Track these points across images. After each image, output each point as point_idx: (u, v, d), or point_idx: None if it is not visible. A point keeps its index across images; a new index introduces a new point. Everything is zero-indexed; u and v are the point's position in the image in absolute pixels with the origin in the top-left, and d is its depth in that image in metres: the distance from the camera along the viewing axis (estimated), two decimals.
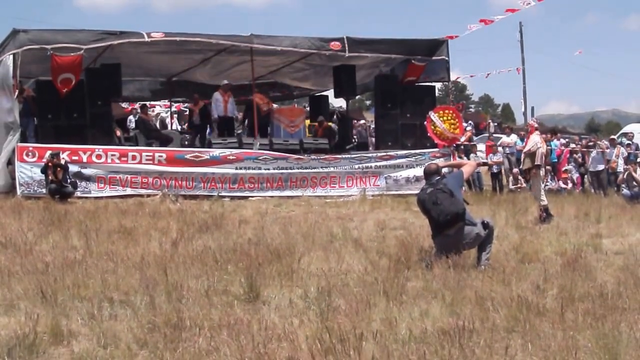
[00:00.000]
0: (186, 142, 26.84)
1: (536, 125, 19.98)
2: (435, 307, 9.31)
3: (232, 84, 28.29)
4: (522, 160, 18.97)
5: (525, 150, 19.43)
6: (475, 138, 36.86)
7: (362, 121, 38.87)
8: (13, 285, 10.07)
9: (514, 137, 32.38)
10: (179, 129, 35.75)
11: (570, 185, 29.39)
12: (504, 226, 16.65)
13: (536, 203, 19.24)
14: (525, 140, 19.45)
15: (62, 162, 20.93)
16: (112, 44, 22.84)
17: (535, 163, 18.70)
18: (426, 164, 14.51)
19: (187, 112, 32.53)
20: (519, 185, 28.63)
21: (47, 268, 11.04)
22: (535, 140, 19.07)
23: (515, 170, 29.51)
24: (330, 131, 29.06)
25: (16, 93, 21.81)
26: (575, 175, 30.30)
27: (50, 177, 20.71)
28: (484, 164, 29.37)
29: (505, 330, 8.35)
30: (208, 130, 29.92)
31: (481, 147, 33.42)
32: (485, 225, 12.21)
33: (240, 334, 8.00)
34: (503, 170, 30.33)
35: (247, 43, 24.34)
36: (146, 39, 22.84)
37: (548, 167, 29.48)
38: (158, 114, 42.57)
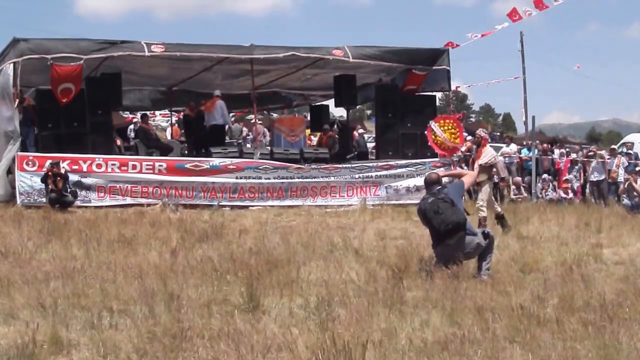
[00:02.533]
0: (186, 152, 26.79)
1: (487, 136, 19.29)
2: (435, 317, 9.30)
3: (232, 93, 28.40)
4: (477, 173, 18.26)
5: (481, 162, 18.68)
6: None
7: (361, 130, 38.82)
8: (13, 294, 10.07)
9: (513, 147, 32.36)
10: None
11: (570, 195, 29.32)
12: (504, 236, 16.63)
13: (492, 212, 18.95)
14: (477, 152, 18.73)
15: (62, 171, 20.91)
16: (111, 55, 22.82)
17: (502, 176, 18.52)
18: (427, 174, 14.50)
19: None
20: (520, 195, 28.59)
21: (47, 277, 11.05)
22: (491, 153, 18.81)
23: (517, 179, 29.48)
24: (334, 140, 29.07)
25: (16, 102, 21.78)
26: (576, 185, 30.23)
27: (50, 187, 20.69)
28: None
29: (505, 340, 8.34)
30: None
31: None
32: (486, 235, 12.20)
33: (240, 343, 7.98)
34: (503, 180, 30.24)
35: (247, 55, 24.34)
36: (146, 53, 22.81)
37: (548, 177, 29.50)
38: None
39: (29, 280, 10.92)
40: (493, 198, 19.19)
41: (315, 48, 25.11)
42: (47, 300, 9.53)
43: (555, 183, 30.06)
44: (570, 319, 9.13)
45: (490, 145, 20.33)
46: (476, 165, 18.53)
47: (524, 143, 37.21)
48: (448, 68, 26.53)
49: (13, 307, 9.46)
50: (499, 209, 18.99)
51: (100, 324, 8.78)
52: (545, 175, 29.42)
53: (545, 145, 33.15)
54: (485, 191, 18.71)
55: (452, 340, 8.26)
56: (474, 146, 19.21)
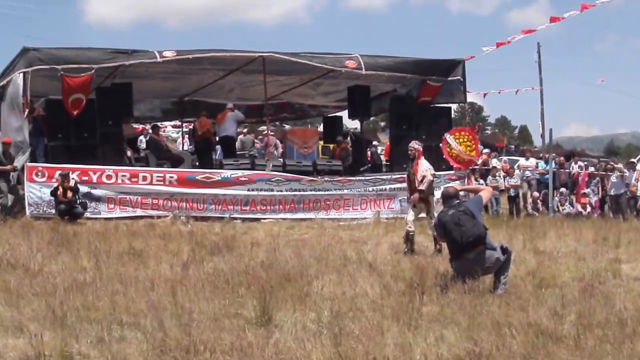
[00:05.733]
0: (197, 163, 26.66)
1: (421, 148, 18.19)
2: (450, 333, 9.16)
3: (245, 104, 28.33)
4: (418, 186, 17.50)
5: (420, 174, 17.57)
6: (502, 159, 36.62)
7: (375, 142, 38.75)
8: (22, 306, 9.99)
9: (532, 161, 32.18)
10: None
11: (588, 209, 29.09)
12: (521, 251, 16.44)
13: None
14: (414, 166, 17.87)
15: (72, 183, 20.83)
16: (123, 64, 22.72)
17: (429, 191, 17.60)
18: (444, 187, 14.35)
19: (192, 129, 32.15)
20: (536, 209, 28.41)
21: (56, 289, 10.94)
22: (427, 166, 17.86)
23: (535, 194, 29.26)
24: (347, 152, 28.95)
25: (26, 112, 21.70)
26: (594, 199, 29.99)
27: (60, 198, 20.62)
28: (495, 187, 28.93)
29: (522, 357, 8.23)
30: (219, 151, 29.75)
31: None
32: (504, 250, 12.06)
33: (253, 358, 7.93)
34: (521, 194, 30.06)
35: (260, 54, 24.19)
36: (158, 59, 22.69)
37: (565, 190, 29.29)
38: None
39: (38, 292, 10.83)
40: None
41: (328, 55, 24.96)
42: (57, 313, 9.42)
43: (573, 197, 29.85)
44: (588, 335, 8.99)
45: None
46: (418, 183, 17.51)
47: (541, 156, 37.01)
48: (463, 79, 26.42)
49: (22, 319, 9.38)
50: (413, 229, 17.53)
51: (110, 337, 8.67)
52: (562, 189, 29.20)
53: (561, 158, 32.94)
54: (432, 206, 17.92)
55: (467, 356, 8.17)
56: (410, 161, 18.08)
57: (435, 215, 17.09)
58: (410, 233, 16.96)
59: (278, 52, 24.41)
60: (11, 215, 20.79)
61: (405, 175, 18.74)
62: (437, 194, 18.17)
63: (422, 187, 17.16)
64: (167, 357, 7.99)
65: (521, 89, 53.75)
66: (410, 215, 17.36)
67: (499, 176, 29.32)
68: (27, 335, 8.60)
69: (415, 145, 17.93)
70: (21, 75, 21.46)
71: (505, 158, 35.04)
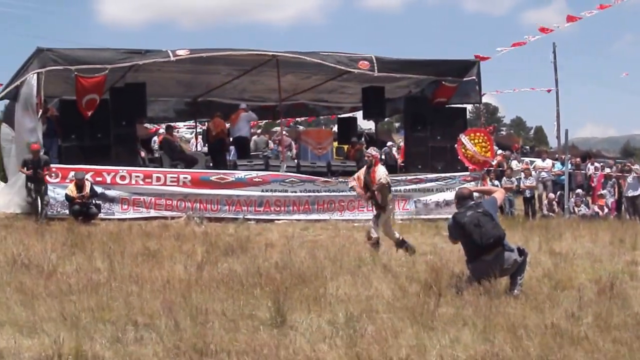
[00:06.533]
0: (210, 164, 26.62)
1: (378, 155, 18.19)
2: (466, 334, 9.13)
3: (259, 105, 28.33)
4: (375, 193, 17.14)
5: (378, 181, 17.04)
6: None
7: (390, 143, 38.68)
8: (36, 307, 9.96)
9: (549, 162, 32.05)
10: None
11: (605, 210, 28.95)
12: (536, 252, 16.35)
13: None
14: (371, 173, 17.46)
15: (88, 186, 20.85)
16: (137, 63, 22.72)
17: (383, 204, 17.12)
18: (458, 188, 14.27)
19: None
20: (553, 210, 28.29)
21: (70, 290, 10.93)
22: (384, 172, 17.39)
23: (551, 195, 29.14)
24: (361, 153, 28.88)
25: (40, 113, 21.71)
26: (610, 201, 29.83)
27: (75, 199, 20.65)
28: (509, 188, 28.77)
29: (538, 359, 8.20)
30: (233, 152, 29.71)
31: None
32: (521, 252, 12.01)
33: (267, 359, 7.91)
34: (536, 195, 29.93)
35: (273, 54, 24.16)
36: (172, 57, 22.67)
37: (581, 192, 29.12)
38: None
39: (53, 292, 10.83)
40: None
41: (342, 56, 24.91)
42: (71, 314, 9.42)
43: (589, 198, 29.70)
44: (605, 337, 8.97)
45: (524, 160, 19.73)
46: (376, 188, 17.06)
47: (557, 157, 36.85)
48: (478, 80, 26.32)
49: (37, 320, 9.37)
50: (397, 235, 17.47)
51: (125, 337, 8.67)
52: (578, 190, 29.05)
53: (577, 159, 32.80)
54: (389, 214, 17.71)
55: (483, 358, 8.16)
56: (365, 167, 17.64)
57: (378, 224, 17.12)
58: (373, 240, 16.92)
59: (291, 52, 24.41)
60: (43, 217, 20.79)
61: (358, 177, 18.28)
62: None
63: (375, 187, 16.97)
64: (182, 358, 7.98)
65: (536, 89, 53.56)
66: (370, 224, 17.47)
67: (517, 178, 29.24)
68: (42, 336, 8.63)
69: (372, 152, 17.81)
70: (35, 75, 21.49)
71: (527, 159, 34.84)
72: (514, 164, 31.92)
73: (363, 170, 17.57)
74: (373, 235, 16.87)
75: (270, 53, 24.28)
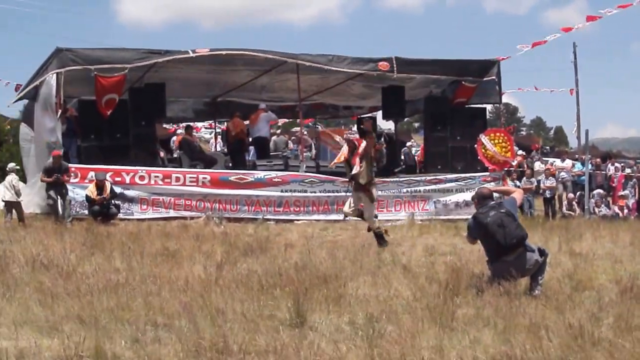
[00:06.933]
0: (230, 164, 26.62)
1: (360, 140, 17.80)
2: (486, 335, 9.09)
3: (278, 105, 28.34)
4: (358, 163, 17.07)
5: (360, 150, 17.27)
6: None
7: (409, 143, 38.64)
8: (56, 307, 9.99)
9: (569, 162, 31.96)
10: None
11: (625, 211, 28.80)
12: (556, 253, 16.24)
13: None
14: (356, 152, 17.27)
15: (108, 185, 20.90)
16: (156, 63, 22.77)
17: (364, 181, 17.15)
18: (478, 188, 14.21)
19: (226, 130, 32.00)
20: (573, 210, 28.16)
21: (90, 290, 10.94)
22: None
23: (571, 195, 29.02)
24: (381, 154, 28.83)
25: (59, 113, 21.76)
26: (631, 201, 29.66)
27: (95, 199, 20.70)
28: (529, 189, 28.64)
29: None
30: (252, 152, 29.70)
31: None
32: (542, 252, 11.94)
33: (287, 359, 7.89)
34: (556, 196, 29.83)
35: (293, 59, 24.16)
36: (191, 54, 22.74)
37: (601, 192, 28.98)
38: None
39: (72, 292, 10.84)
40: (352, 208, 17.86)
41: (362, 59, 24.90)
42: (91, 313, 9.43)
43: (610, 199, 29.56)
44: (625, 339, 8.86)
45: (538, 159, 19.61)
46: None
47: (577, 157, 36.70)
48: (498, 79, 26.23)
49: (56, 319, 9.40)
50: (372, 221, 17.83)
51: (144, 338, 8.68)
52: (599, 191, 28.92)
53: (597, 159, 32.66)
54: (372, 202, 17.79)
55: (504, 358, 8.11)
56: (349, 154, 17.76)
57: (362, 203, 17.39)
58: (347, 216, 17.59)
59: (310, 55, 24.37)
60: (67, 217, 20.84)
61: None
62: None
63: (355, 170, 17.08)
64: (202, 358, 7.98)
65: (557, 90, 53.18)
66: (346, 206, 17.75)
67: (538, 179, 29.13)
68: (61, 336, 8.63)
69: (350, 137, 17.81)
70: (54, 75, 21.56)
71: (549, 160, 34.69)
72: (537, 164, 31.76)
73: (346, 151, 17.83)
74: (346, 210, 17.57)
75: (290, 60, 24.27)
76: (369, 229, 17.58)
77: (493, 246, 11.92)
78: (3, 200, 21.12)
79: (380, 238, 17.13)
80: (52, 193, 21.00)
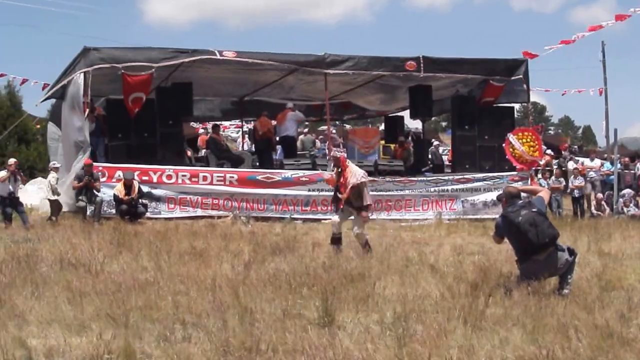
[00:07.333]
0: (257, 164, 26.64)
1: (343, 155, 16.86)
2: (515, 335, 9.04)
3: (305, 104, 28.35)
4: (348, 194, 16.08)
5: (352, 183, 16.12)
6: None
7: (436, 142, 38.51)
8: (85, 305, 10.01)
9: (597, 162, 31.76)
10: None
11: None
12: (585, 253, 16.15)
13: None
14: (342, 174, 16.38)
15: (136, 185, 20.98)
16: (183, 62, 22.84)
17: (366, 203, 16.17)
18: (505, 187, 14.14)
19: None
20: (600, 211, 27.95)
21: (118, 289, 10.96)
22: (360, 172, 16.44)
23: (599, 195, 28.82)
24: (409, 153, 28.79)
25: (87, 112, 21.86)
26: None
27: (123, 198, 20.79)
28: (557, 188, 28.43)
29: None
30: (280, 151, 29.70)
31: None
32: (571, 252, 11.87)
33: (315, 358, 7.89)
34: (585, 195, 29.63)
35: (319, 68, 24.22)
36: (218, 56, 22.80)
37: (630, 192, 28.75)
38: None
39: (100, 291, 10.88)
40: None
41: (389, 58, 24.88)
42: (119, 312, 9.46)
43: (639, 198, 29.32)
44: None
45: (571, 159, 19.45)
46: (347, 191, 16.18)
47: (605, 157, 36.44)
48: (526, 79, 26.13)
49: (85, 318, 9.44)
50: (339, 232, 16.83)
51: (173, 336, 8.71)
52: (628, 190, 28.68)
53: (626, 159, 32.40)
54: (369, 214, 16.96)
55: (532, 358, 8.06)
56: (337, 169, 16.68)
57: (353, 223, 16.61)
58: (336, 236, 16.53)
59: (338, 56, 24.38)
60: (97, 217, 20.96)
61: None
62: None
63: (352, 182, 16.06)
64: (230, 357, 7.98)
65: (586, 89, 52.85)
66: (335, 218, 16.88)
67: (573, 178, 28.98)
68: (90, 334, 8.67)
69: (337, 154, 17.03)
70: (82, 75, 21.68)
71: (581, 160, 34.46)
72: (571, 164, 31.54)
73: (333, 172, 17.15)
74: (335, 231, 16.59)
75: (318, 71, 24.41)
76: (332, 241, 16.61)
77: (524, 245, 11.83)
78: (48, 200, 21.48)
79: (367, 245, 16.56)
80: (82, 199, 21.15)
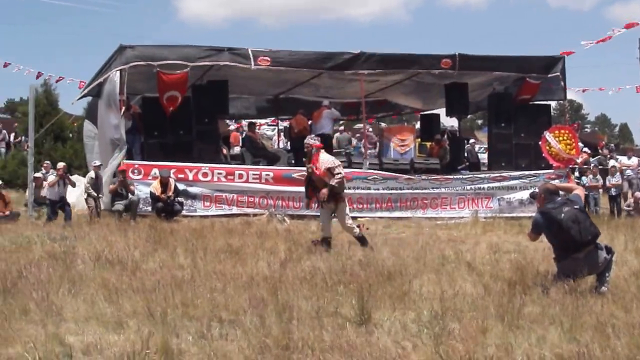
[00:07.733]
0: (293, 161, 26.64)
1: (317, 142, 16.57)
2: (553, 333, 8.99)
3: (341, 101, 28.32)
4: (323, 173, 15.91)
5: (323, 167, 16.01)
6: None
7: (472, 140, 38.41)
8: (122, 303, 10.05)
9: (635, 160, 31.54)
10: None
11: None
12: (622, 251, 16.04)
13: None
14: (312, 161, 16.37)
15: (172, 183, 21.06)
16: (217, 64, 23.05)
17: (331, 183, 15.85)
18: (542, 184, 14.05)
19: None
20: (633, 209, 27.75)
21: (155, 286, 11.00)
22: (331, 159, 16.45)
23: (637, 194, 28.61)
24: (445, 151, 28.70)
25: (123, 109, 22.07)
26: None
27: (160, 196, 20.87)
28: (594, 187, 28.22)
29: (626, 359, 8.04)
30: None
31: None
32: (609, 250, 11.80)
33: (353, 356, 7.89)
34: (622, 193, 29.44)
35: (355, 66, 24.25)
36: (252, 67, 23.06)
37: None
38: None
39: (137, 288, 10.91)
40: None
41: (425, 56, 24.84)
42: (156, 310, 9.48)
43: None
44: None
45: (612, 157, 19.27)
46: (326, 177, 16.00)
47: None
48: (563, 76, 25.99)
49: (122, 315, 9.48)
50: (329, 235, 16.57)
51: (210, 334, 8.71)
52: None
53: None
54: (344, 203, 16.66)
55: (570, 357, 8.00)
56: (307, 158, 16.71)
57: (348, 214, 16.70)
58: (328, 239, 16.26)
59: (373, 53, 24.36)
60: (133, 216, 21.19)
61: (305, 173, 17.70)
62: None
63: (334, 182, 15.91)
64: (268, 355, 7.97)
65: (623, 87, 52.44)
66: (324, 218, 16.62)
67: (611, 176, 28.79)
68: (127, 331, 8.71)
69: (310, 140, 16.68)
70: (118, 72, 21.81)
71: (621, 159, 34.22)
72: (612, 162, 31.33)
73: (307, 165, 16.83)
74: (326, 234, 16.37)
75: (352, 77, 24.47)
76: (322, 241, 16.31)
77: (565, 243, 11.73)
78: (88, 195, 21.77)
79: (362, 240, 16.50)
80: (119, 206, 21.30)
